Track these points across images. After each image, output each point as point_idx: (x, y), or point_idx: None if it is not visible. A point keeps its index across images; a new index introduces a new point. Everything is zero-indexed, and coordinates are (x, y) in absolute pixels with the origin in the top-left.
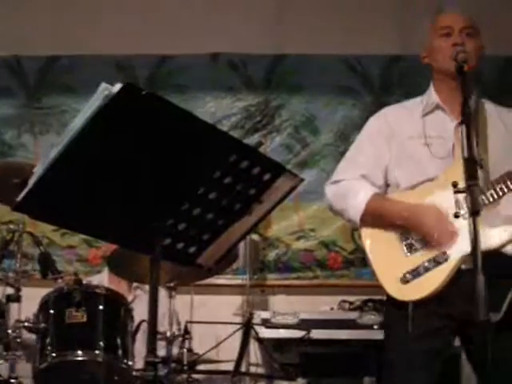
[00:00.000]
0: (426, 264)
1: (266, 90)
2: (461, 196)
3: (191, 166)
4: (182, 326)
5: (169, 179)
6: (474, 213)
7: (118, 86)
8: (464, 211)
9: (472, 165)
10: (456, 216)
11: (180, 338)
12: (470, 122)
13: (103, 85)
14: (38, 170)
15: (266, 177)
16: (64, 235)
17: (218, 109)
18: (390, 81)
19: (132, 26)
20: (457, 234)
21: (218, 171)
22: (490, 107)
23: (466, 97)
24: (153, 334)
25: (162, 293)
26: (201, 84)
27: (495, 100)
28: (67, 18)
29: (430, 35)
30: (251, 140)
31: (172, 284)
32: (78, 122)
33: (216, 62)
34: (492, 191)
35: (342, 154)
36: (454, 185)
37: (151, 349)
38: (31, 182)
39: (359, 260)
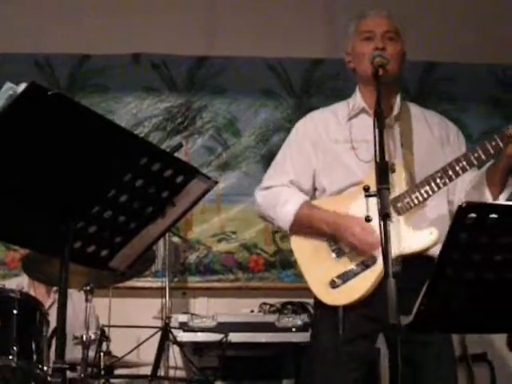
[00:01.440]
0: (355, 268)
1: (188, 92)
2: (373, 200)
3: (101, 168)
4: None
5: (77, 181)
6: (384, 216)
7: (22, 86)
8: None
9: (382, 168)
10: (367, 220)
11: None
12: (384, 124)
13: (7, 84)
14: None
15: (179, 179)
16: None
17: (140, 110)
18: (311, 84)
19: (52, 24)
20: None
21: (128, 174)
22: (415, 110)
23: (378, 100)
24: (61, 339)
25: (80, 296)
26: (122, 84)
27: (417, 102)
28: None
29: (353, 40)
30: (173, 141)
31: (89, 287)
32: None
33: (138, 62)
34: (417, 194)
35: (264, 156)
36: (366, 189)
37: (59, 354)
38: None
39: (280, 262)
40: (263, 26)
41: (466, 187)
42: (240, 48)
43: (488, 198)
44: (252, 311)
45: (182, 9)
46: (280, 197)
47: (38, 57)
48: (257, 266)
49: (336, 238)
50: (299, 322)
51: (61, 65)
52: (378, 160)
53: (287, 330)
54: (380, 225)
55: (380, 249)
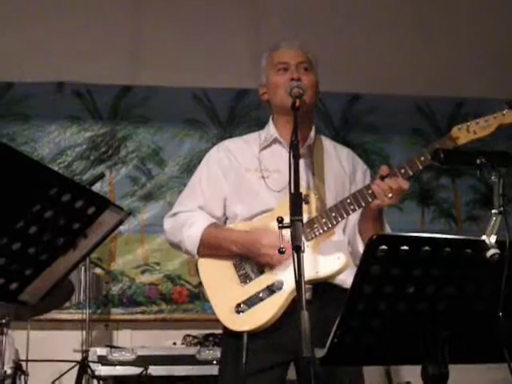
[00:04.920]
0: (261, 294)
1: (112, 121)
2: (286, 231)
3: (7, 198)
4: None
5: None
6: (297, 248)
7: None
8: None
9: (296, 200)
10: (280, 252)
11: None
12: (299, 155)
13: None
14: None
15: (90, 210)
16: None
17: (63, 138)
18: (236, 114)
19: None
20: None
21: (37, 204)
22: (327, 143)
23: (295, 131)
24: None
25: None
26: (45, 113)
27: (338, 134)
28: None
29: (267, 71)
30: (97, 171)
31: (4, 320)
32: None
33: (61, 90)
34: (326, 220)
35: None
36: (279, 220)
37: None
38: None
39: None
40: (188, 56)
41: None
42: (165, 77)
43: (359, 247)
44: (174, 343)
45: (106, 37)
46: (187, 220)
47: None
48: (181, 298)
49: (243, 260)
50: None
51: None
52: (292, 191)
53: (208, 362)
54: (293, 257)
55: (286, 272)
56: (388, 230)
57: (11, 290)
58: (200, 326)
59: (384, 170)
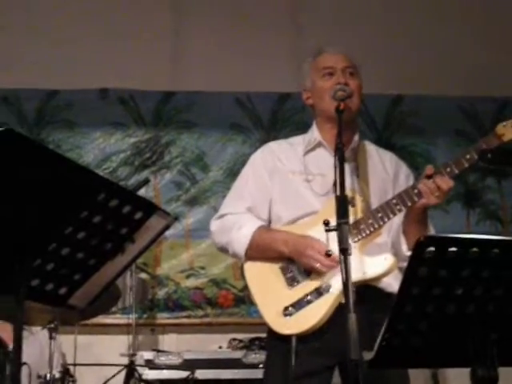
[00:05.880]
0: (309, 297)
1: (156, 127)
2: (332, 234)
3: (56, 204)
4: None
5: (32, 218)
6: (343, 251)
7: None
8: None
9: (342, 202)
10: (328, 255)
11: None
12: (344, 158)
13: None
14: None
15: (138, 215)
16: None
17: (107, 145)
18: (279, 118)
19: (21, 59)
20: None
21: (85, 210)
22: (370, 147)
23: (340, 134)
24: (14, 380)
25: (46, 334)
26: (89, 119)
27: (382, 137)
28: None
29: (312, 77)
30: (141, 176)
31: (53, 325)
32: None
33: (105, 97)
34: (372, 220)
35: None
36: (326, 223)
37: None
38: None
39: (250, 298)
40: (230, 60)
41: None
42: (207, 82)
43: (403, 248)
44: (220, 347)
45: (149, 43)
46: (235, 222)
47: (6, 92)
48: (226, 302)
49: (291, 263)
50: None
51: (29, 100)
52: (338, 194)
53: (254, 366)
54: (340, 260)
55: (333, 275)
56: (432, 231)
57: (60, 294)
58: (245, 330)
59: (430, 169)
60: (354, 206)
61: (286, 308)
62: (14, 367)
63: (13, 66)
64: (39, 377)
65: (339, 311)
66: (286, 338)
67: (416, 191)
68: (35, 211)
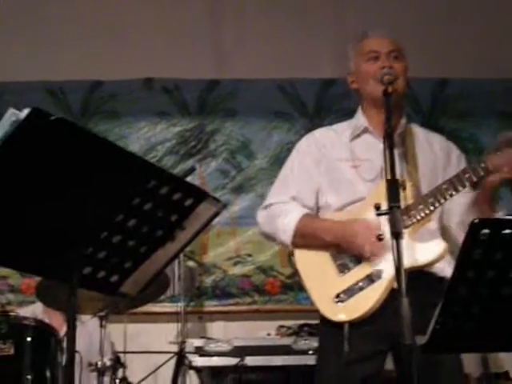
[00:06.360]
0: (360, 283)
1: (200, 115)
2: (384, 218)
3: (107, 192)
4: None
5: (84, 207)
6: (395, 234)
7: (25, 112)
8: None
9: (393, 186)
10: (379, 239)
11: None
12: (393, 142)
13: (10, 110)
14: None
15: (188, 203)
16: None
17: (153, 134)
18: (323, 105)
19: (64, 51)
20: (390, 251)
21: (137, 198)
22: (418, 130)
23: (388, 118)
24: (70, 368)
25: (95, 322)
26: (134, 109)
27: (428, 120)
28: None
29: (357, 60)
30: (186, 165)
31: (103, 313)
32: None
33: (149, 86)
34: (423, 206)
35: None
36: (377, 207)
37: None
38: None
39: (297, 284)
40: (273, 48)
41: (460, 210)
42: (250, 70)
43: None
44: (269, 334)
45: (192, 33)
46: (281, 210)
47: (51, 84)
48: (273, 289)
49: (341, 250)
50: (315, 345)
51: (73, 91)
52: (388, 178)
53: (303, 352)
54: (392, 244)
55: (384, 261)
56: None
57: (112, 282)
58: (293, 317)
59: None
60: (404, 189)
61: (338, 295)
62: (69, 358)
63: (56, 58)
64: (90, 365)
65: (392, 296)
66: (339, 325)
67: (483, 165)
68: (87, 199)
